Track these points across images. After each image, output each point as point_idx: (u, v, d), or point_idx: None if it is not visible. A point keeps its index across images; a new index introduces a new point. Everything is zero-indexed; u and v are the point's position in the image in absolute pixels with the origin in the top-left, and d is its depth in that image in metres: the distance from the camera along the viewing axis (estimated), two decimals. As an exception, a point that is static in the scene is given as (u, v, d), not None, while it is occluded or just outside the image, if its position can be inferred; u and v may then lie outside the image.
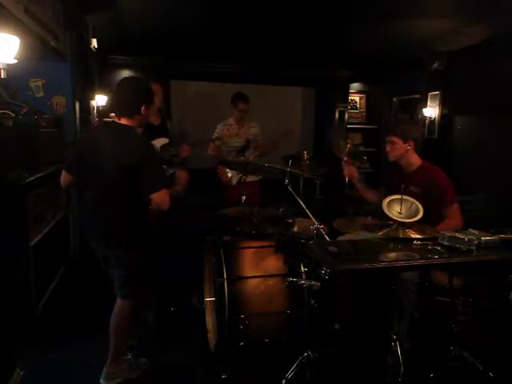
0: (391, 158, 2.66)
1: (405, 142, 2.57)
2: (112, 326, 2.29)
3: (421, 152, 2.72)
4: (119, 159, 2.05)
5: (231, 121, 4.08)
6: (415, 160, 2.62)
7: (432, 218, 2.41)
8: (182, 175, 3.65)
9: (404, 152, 2.59)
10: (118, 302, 2.29)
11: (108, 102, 4.64)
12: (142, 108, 2.17)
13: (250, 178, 3.87)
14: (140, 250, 2.24)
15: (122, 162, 2.05)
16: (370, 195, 2.90)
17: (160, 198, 2.06)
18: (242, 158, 3.77)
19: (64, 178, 2.27)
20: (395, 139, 2.59)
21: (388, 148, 2.64)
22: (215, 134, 4.04)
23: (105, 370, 2.32)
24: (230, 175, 3.94)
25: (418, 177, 2.56)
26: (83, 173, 2.19)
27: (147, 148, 2.16)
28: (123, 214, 2.16)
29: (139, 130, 3.45)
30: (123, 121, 2.16)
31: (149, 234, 2.32)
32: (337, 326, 2.37)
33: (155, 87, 3.48)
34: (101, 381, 2.30)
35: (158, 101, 3.53)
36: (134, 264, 2.23)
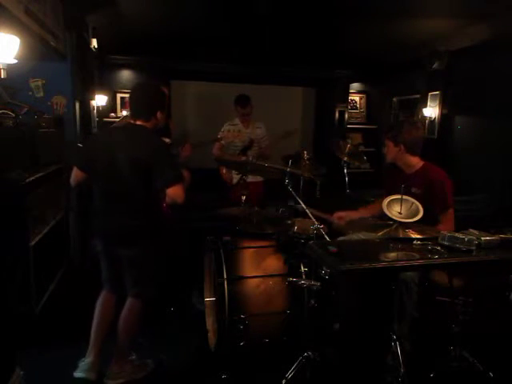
0: (387, 160, 2.67)
1: (396, 146, 2.54)
2: (121, 324, 2.29)
3: (421, 152, 2.69)
4: (136, 157, 2.11)
5: (237, 120, 4.07)
6: (414, 161, 2.56)
7: (432, 220, 2.41)
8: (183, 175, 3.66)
9: (396, 155, 2.57)
10: (130, 300, 2.31)
11: (108, 102, 4.63)
12: (158, 113, 2.25)
13: (254, 179, 3.87)
14: (155, 249, 2.27)
15: (139, 159, 2.11)
16: (366, 212, 2.83)
17: (175, 192, 2.11)
18: (244, 157, 3.76)
19: (76, 175, 2.28)
20: (387, 142, 2.59)
21: (384, 150, 2.66)
22: (220, 134, 4.03)
23: (109, 369, 2.31)
24: (232, 174, 3.93)
25: (419, 178, 2.51)
26: (96, 172, 2.23)
27: (162, 145, 2.26)
28: (140, 213, 2.20)
29: None
30: (139, 123, 2.23)
31: (164, 232, 2.35)
32: (336, 326, 2.37)
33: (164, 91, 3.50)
34: (104, 380, 2.28)
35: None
36: (148, 263, 2.26)
